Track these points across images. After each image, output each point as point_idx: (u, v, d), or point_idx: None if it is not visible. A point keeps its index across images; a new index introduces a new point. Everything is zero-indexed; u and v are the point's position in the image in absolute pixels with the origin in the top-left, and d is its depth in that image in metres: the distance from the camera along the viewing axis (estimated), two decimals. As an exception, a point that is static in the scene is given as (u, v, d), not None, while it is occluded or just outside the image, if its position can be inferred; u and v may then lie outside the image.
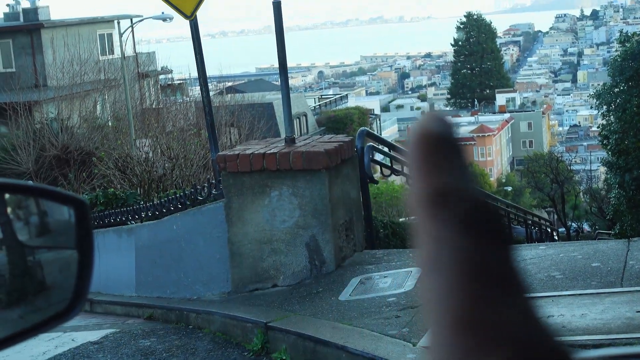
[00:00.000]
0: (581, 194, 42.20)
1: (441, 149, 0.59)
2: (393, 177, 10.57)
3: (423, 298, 0.56)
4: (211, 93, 11.93)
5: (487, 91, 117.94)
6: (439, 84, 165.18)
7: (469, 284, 0.54)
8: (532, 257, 7.58)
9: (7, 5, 43.57)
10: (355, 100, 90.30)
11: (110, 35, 41.92)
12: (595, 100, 24.67)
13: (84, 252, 1.61)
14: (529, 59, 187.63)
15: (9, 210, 1.68)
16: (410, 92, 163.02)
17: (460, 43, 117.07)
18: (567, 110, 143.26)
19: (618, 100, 22.87)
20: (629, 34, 25.03)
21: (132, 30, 36.24)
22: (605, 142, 23.31)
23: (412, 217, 0.59)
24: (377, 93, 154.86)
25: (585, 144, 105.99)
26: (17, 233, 1.68)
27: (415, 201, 0.58)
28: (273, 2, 8.50)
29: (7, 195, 1.69)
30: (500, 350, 0.52)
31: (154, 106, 33.88)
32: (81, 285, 1.59)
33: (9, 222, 1.67)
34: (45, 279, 1.73)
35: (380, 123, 74.76)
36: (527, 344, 0.53)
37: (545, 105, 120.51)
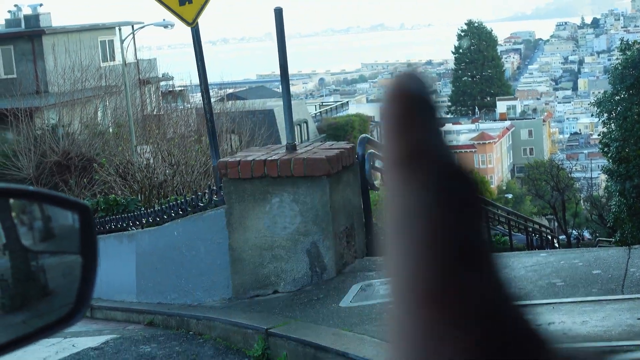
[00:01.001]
0: (582, 201, 42.17)
1: (415, 109, 0.55)
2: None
3: (387, 267, 0.52)
4: (212, 100, 11.94)
5: (488, 99, 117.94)
6: (440, 91, 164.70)
7: (437, 254, 0.50)
8: (533, 264, 7.58)
9: (9, 11, 43.63)
10: (356, 108, 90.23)
11: (111, 42, 41.96)
12: (596, 108, 24.70)
13: (87, 257, 1.61)
14: (529, 66, 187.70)
15: (13, 215, 1.68)
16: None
17: (461, 50, 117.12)
18: (567, 118, 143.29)
19: (619, 108, 22.89)
20: (630, 42, 25.06)
21: (134, 37, 36.28)
22: (605, 149, 23.32)
23: (385, 181, 0.54)
24: (378, 100, 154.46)
25: (585, 151, 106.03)
26: (21, 238, 1.69)
27: (387, 163, 0.54)
28: (274, 9, 8.51)
29: (11, 200, 1.69)
30: (467, 326, 0.49)
31: (155, 113, 33.90)
32: (84, 291, 1.59)
33: (13, 227, 1.68)
34: (48, 283, 1.73)
35: (381, 130, 74.75)
36: (496, 322, 0.49)
37: (545, 113, 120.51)
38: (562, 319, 5.94)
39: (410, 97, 0.55)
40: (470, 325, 0.49)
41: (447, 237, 0.51)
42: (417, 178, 0.52)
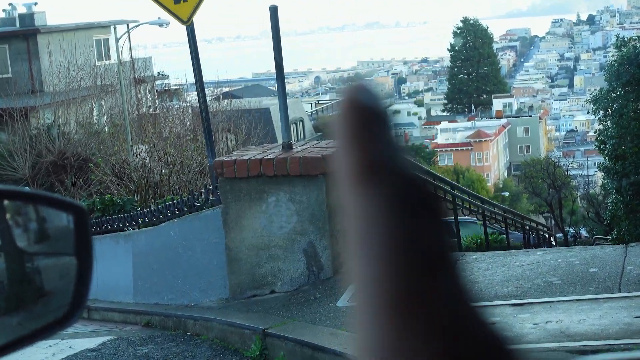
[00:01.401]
0: (578, 199, 42.22)
1: (369, 121, 0.57)
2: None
3: (352, 279, 0.53)
4: (208, 98, 11.92)
5: (484, 96, 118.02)
6: (436, 89, 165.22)
7: (400, 263, 0.51)
8: (529, 262, 7.57)
9: (3, 10, 43.58)
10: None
11: (106, 41, 41.91)
12: (592, 106, 24.71)
13: (82, 259, 1.60)
14: (525, 64, 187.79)
15: (8, 216, 1.67)
16: (407, 98, 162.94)
17: (456, 48, 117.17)
18: (564, 116, 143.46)
19: (615, 106, 22.91)
20: (626, 39, 25.07)
21: (129, 36, 36.24)
22: (602, 147, 23.34)
23: (340, 193, 0.57)
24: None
25: (582, 149, 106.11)
26: (16, 239, 1.67)
27: (342, 176, 0.57)
28: (270, 7, 8.50)
29: (6, 202, 1.68)
30: (430, 338, 0.50)
31: (150, 112, 33.87)
32: (80, 292, 1.58)
33: (8, 229, 1.66)
34: (44, 285, 1.72)
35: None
36: (461, 334, 0.50)
37: (542, 111, 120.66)
38: (559, 317, 5.94)
39: (363, 110, 0.57)
40: (433, 336, 0.50)
41: (407, 248, 0.52)
42: (375, 191, 0.54)
